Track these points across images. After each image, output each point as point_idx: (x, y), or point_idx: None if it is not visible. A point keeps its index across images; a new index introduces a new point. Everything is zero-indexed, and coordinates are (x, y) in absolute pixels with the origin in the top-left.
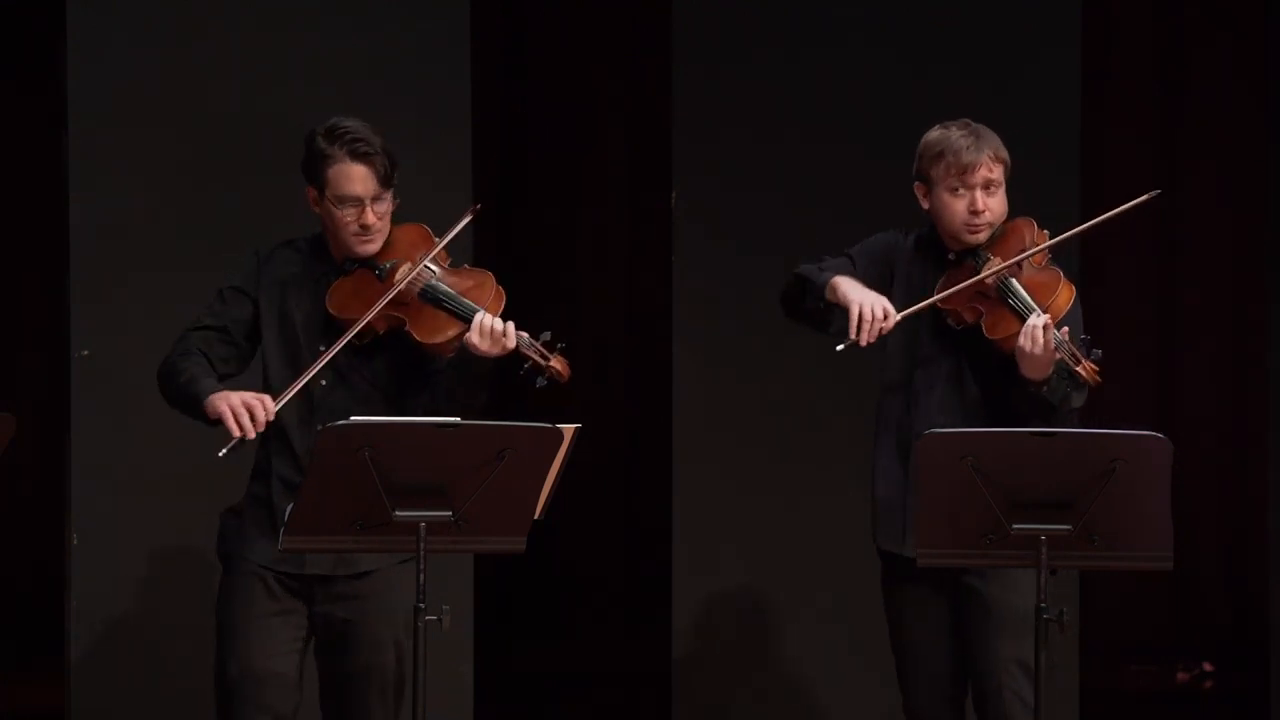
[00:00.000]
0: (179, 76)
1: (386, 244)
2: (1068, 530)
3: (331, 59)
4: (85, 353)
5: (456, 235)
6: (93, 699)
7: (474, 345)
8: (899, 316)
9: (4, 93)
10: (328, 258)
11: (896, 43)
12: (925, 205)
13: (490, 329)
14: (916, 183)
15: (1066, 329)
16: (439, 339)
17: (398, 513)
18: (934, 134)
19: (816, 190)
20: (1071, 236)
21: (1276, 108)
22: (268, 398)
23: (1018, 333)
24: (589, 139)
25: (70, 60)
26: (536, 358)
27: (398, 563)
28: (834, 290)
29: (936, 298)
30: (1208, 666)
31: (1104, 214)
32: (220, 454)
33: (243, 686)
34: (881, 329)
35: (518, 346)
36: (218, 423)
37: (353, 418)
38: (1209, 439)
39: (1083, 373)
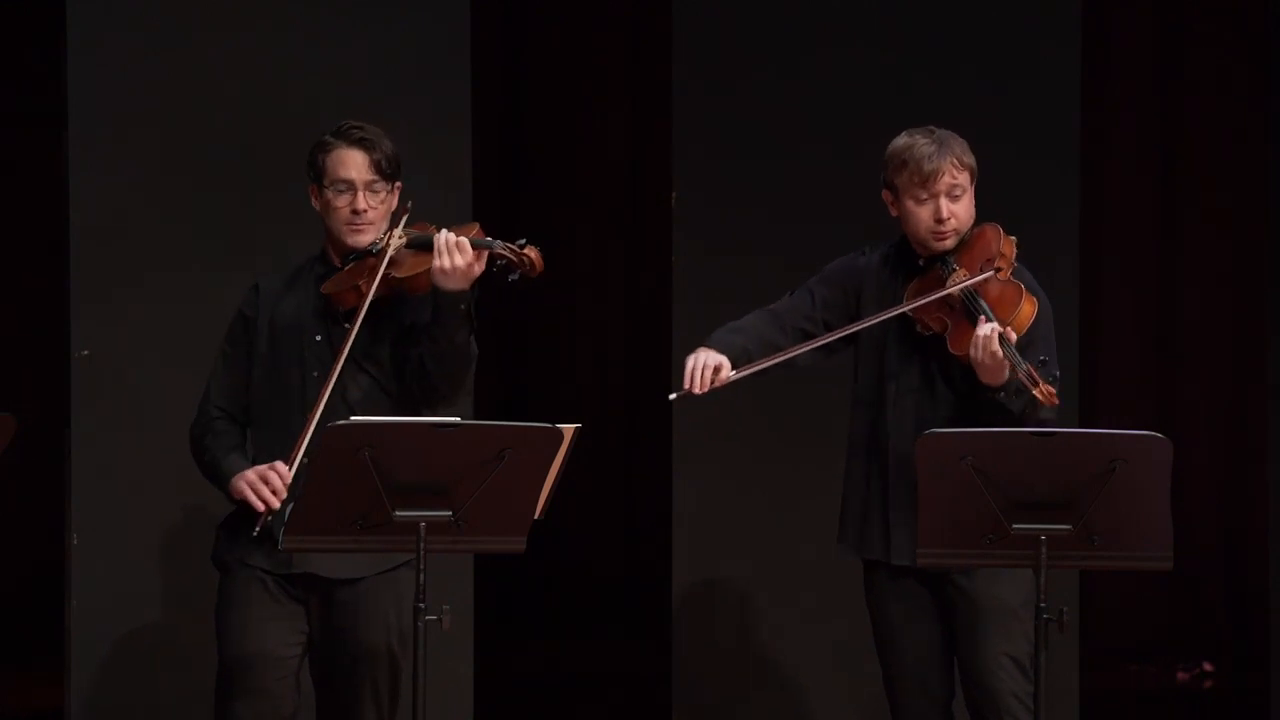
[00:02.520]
0: (179, 76)
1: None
2: (1068, 530)
3: (331, 59)
4: (85, 353)
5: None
6: (93, 699)
7: (440, 268)
8: (734, 374)
9: (4, 93)
10: (327, 260)
11: (897, 43)
12: (894, 213)
13: (449, 241)
14: (884, 190)
15: (1030, 363)
16: (418, 270)
17: (398, 513)
18: (899, 141)
19: (816, 191)
20: (966, 287)
21: (1277, 108)
22: (279, 464)
23: None
24: (589, 139)
25: (70, 60)
26: (509, 255)
27: (389, 569)
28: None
29: (921, 302)
30: (1208, 666)
31: (979, 275)
32: (254, 534)
33: (242, 683)
34: (714, 380)
35: (490, 250)
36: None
37: (353, 418)
38: (1209, 439)
39: (1040, 396)
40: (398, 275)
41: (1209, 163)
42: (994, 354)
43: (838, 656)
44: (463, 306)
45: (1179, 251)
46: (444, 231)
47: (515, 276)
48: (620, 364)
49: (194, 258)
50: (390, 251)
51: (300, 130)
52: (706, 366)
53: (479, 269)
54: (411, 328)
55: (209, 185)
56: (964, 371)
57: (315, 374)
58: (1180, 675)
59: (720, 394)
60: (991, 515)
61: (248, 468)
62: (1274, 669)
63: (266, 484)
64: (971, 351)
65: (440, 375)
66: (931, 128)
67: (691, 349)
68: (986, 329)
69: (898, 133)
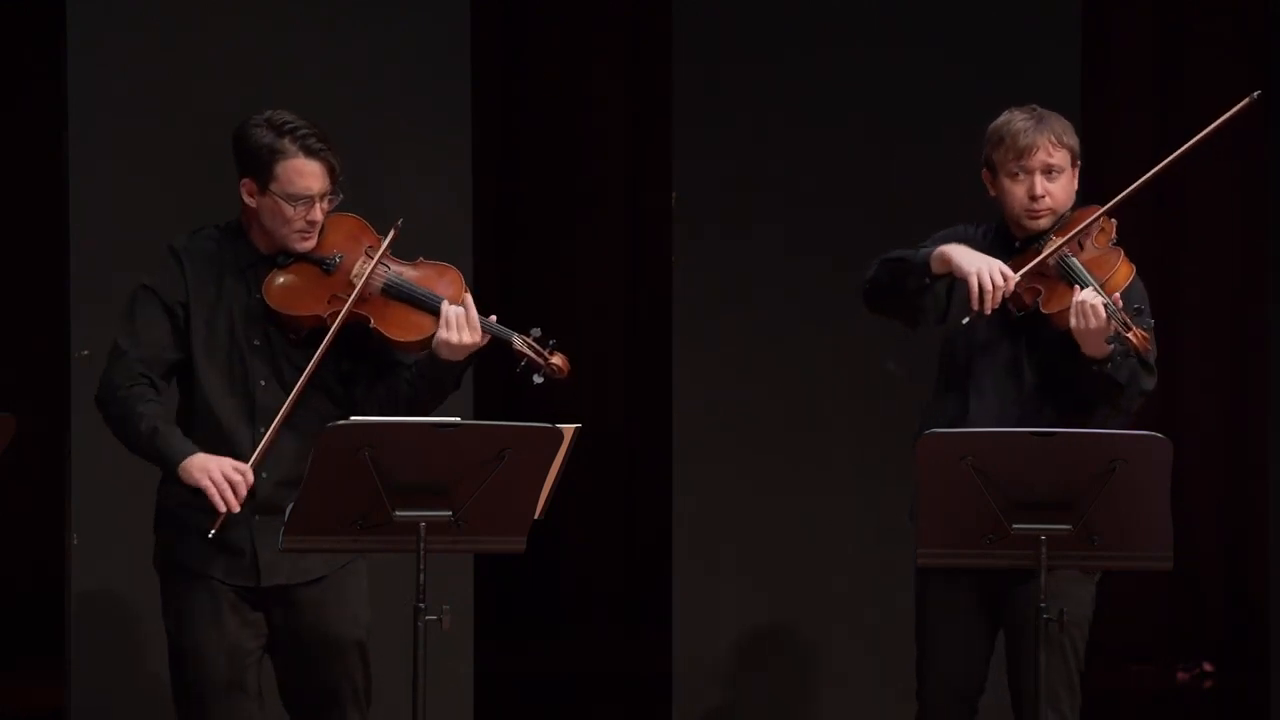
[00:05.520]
0: (179, 76)
1: (324, 238)
2: (1068, 530)
3: (332, 59)
4: (85, 353)
5: (412, 230)
6: (93, 699)
7: (445, 341)
8: (1018, 276)
9: (4, 93)
10: (252, 247)
11: (897, 42)
12: (992, 192)
13: (459, 318)
14: (984, 169)
15: (1118, 295)
16: (414, 336)
17: (398, 513)
18: (998, 119)
19: (816, 190)
20: (1143, 184)
21: (1277, 106)
22: (247, 469)
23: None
24: (589, 139)
25: (70, 60)
26: (533, 355)
27: (343, 565)
28: (943, 261)
29: (1034, 262)
30: (1208, 666)
31: (1190, 141)
32: (210, 534)
33: (210, 695)
34: (1004, 294)
35: (511, 344)
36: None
37: (353, 418)
38: (1209, 439)
39: (1133, 339)
40: (390, 335)
41: (1209, 162)
42: (1096, 313)
43: (839, 655)
44: (460, 374)
45: (1179, 251)
46: (451, 306)
47: (541, 379)
48: (620, 364)
49: None
50: (359, 286)
51: None
52: (997, 285)
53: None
54: (375, 358)
55: (209, 185)
56: (1061, 345)
57: (263, 382)
58: (1180, 675)
59: (720, 393)
60: (991, 515)
61: (197, 450)
62: (1274, 669)
63: (232, 486)
64: (1072, 321)
65: (412, 409)
66: (1034, 106)
67: (691, 349)
68: (1087, 293)
69: (898, 133)
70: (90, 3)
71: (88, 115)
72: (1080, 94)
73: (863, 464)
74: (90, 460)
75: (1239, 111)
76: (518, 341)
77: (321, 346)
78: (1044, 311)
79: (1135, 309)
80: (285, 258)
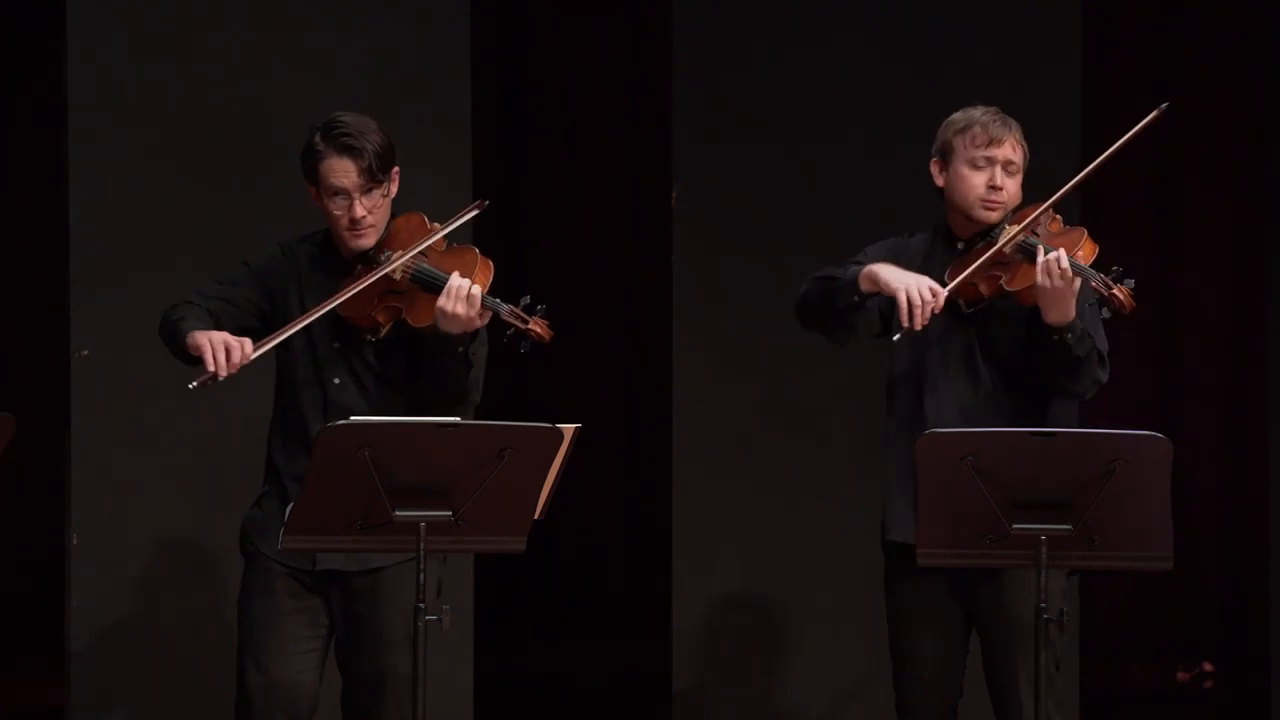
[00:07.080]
0: (179, 76)
1: (387, 236)
2: (1068, 530)
3: (332, 59)
4: (85, 353)
5: (456, 225)
6: (93, 699)
7: (442, 311)
8: (946, 292)
9: (4, 93)
10: (338, 254)
11: (897, 43)
12: (940, 182)
13: (456, 289)
14: (934, 160)
15: (1101, 274)
16: (429, 321)
17: (398, 513)
18: (959, 113)
19: (816, 190)
20: (1077, 183)
21: (1276, 105)
22: (248, 342)
23: None
24: (589, 139)
25: (70, 60)
26: (516, 323)
27: (408, 559)
28: (871, 279)
29: (978, 263)
30: (1208, 666)
31: (1105, 151)
32: (191, 385)
33: (262, 687)
34: (933, 310)
35: (495, 313)
36: (197, 361)
37: (353, 418)
38: (1209, 439)
39: (1119, 296)
40: (413, 323)
41: (1209, 163)
42: (1064, 271)
43: (839, 656)
44: (460, 349)
45: (1179, 251)
46: (456, 276)
47: (526, 348)
48: (620, 364)
49: (194, 258)
50: (386, 270)
51: (301, 131)
52: (925, 300)
53: (480, 323)
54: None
55: (209, 185)
56: (1016, 334)
57: (336, 380)
58: (1180, 675)
59: (720, 393)
60: (991, 515)
61: (212, 328)
62: (1274, 669)
63: (228, 351)
64: (1040, 279)
65: (432, 396)
66: (996, 108)
67: (691, 349)
68: (1050, 253)
69: (898, 133)
70: (90, 3)
71: (88, 115)
72: (1080, 94)
73: (863, 464)
74: (90, 460)
75: (1149, 124)
76: (505, 311)
77: (329, 302)
78: (1009, 289)
79: (1115, 269)
80: (358, 263)
